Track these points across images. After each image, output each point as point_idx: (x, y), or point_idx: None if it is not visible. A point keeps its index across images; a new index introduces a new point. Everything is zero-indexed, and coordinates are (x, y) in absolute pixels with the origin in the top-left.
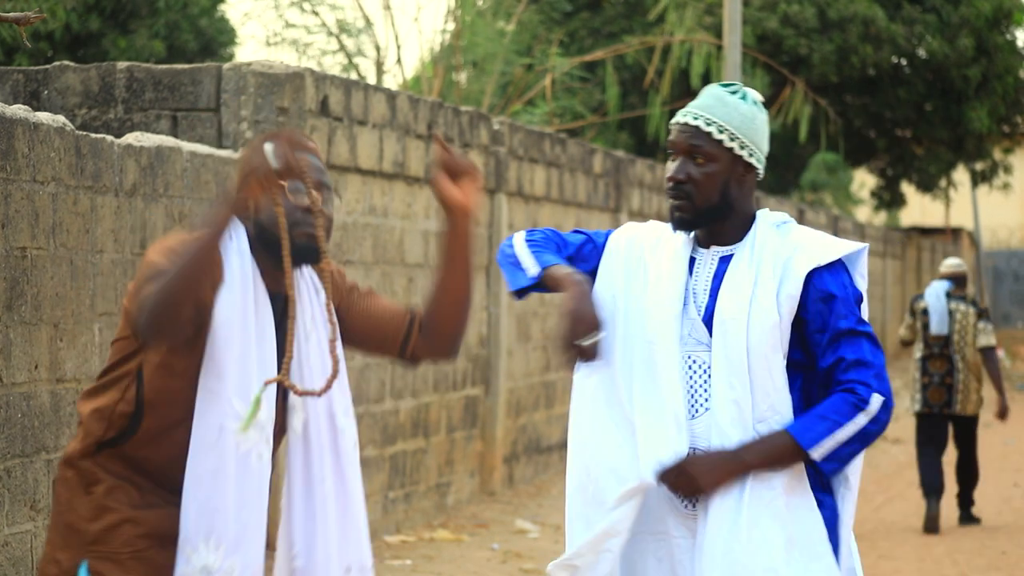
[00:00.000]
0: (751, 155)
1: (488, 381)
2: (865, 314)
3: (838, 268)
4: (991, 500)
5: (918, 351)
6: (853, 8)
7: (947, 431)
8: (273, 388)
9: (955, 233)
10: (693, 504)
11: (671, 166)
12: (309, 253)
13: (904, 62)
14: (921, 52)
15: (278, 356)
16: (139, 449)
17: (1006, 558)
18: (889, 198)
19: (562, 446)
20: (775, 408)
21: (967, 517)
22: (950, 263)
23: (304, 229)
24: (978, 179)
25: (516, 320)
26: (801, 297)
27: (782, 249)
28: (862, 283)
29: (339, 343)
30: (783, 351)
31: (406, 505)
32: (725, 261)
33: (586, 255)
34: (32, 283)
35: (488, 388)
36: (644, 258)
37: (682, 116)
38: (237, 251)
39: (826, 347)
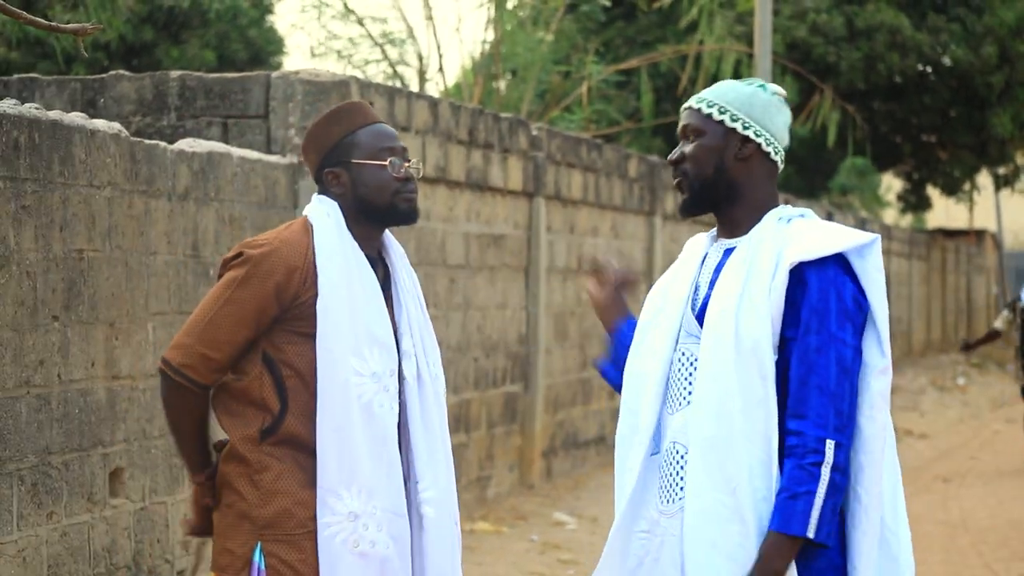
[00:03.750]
0: (747, 128)
1: (527, 378)
2: (881, 318)
3: (828, 267)
4: (1015, 493)
5: (1016, 340)
6: (880, 17)
7: None
8: (391, 336)
9: (979, 235)
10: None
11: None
12: (411, 215)
13: (929, 70)
14: (946, 60)
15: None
16: (296, 428)
17: None
18: (915, 201)
19: (598, 441)
20: (763, 403)
21: None
22: None
23: (405, 196)
24: (1001, 182)
25: (554, 320)
26: (787, 293)
27: (777, 241)
28: (877, 278)
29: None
30: (773, 346)
31: None
32: (729, 253)
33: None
34: (89, 284)
35: (527, 385)
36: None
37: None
38: (335, 225)
39: (792, 357)
